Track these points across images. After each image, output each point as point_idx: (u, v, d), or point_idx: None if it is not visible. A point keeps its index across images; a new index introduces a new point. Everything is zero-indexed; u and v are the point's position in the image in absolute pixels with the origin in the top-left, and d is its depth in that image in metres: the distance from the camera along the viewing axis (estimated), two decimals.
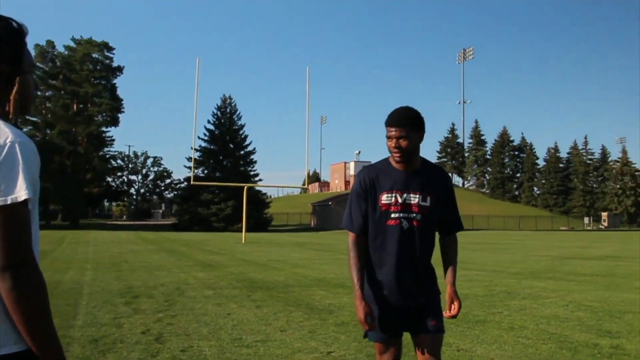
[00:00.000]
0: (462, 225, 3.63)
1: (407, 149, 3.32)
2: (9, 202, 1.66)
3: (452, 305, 3.43)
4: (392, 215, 3.36)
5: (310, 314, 8.95)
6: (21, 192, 1.67)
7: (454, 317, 3.45)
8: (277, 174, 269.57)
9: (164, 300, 10.19)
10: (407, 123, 3.31)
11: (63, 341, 6.56)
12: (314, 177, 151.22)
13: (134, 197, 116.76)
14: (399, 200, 3.36)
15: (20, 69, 1.86)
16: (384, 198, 3.37)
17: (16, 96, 1.85)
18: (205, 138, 75.70)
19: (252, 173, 75.88)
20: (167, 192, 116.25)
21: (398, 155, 3.33)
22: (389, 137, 3.34)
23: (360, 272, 3.38)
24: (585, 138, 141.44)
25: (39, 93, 70.41)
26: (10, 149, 1.70)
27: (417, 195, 3.37)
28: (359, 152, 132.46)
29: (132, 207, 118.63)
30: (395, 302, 3.40)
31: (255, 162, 77.19)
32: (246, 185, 44.36)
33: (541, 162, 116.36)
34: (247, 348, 6.59)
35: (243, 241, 35.98)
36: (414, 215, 3.37)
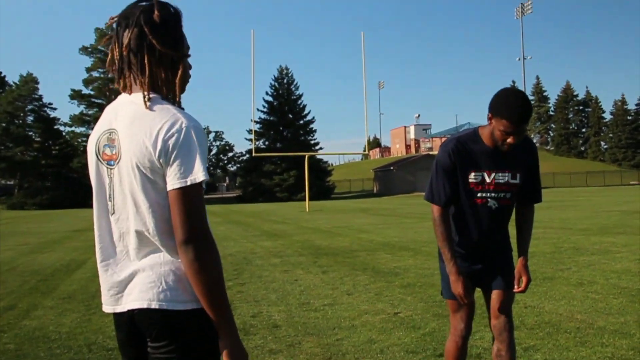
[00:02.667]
0: (541, 197, 3.51)
1: (520, 141, 3.18)
2: (189, 182, 1.80)
3: (521, 279, 3.42)
4: (479, 195, 3.31)
5: (376, 277, 9.00)
6: (199, 174, 1.81)
7: (522, 292, 3.45)
8: (338, 142, 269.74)
9: (233, 269, 10.40)
10: (525, 119, 3.10)
11: None
12: (375, 143, 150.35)
13: None
14: (487, 179, 3.29)
15: (182, 53, 1.98)
16: (472, 176, 3.29)
17: (181, 80, 1.96)
18: (265, 110, 76.05)
19: (312, 142, 76.00)
20: (230, 165, 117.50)
21: (507, 148, 3.18)
22: (505, 132, 3.10)
23: (451, 246, 3.35)
24: None
25: (101, 75, 72.30)
26: (186, 133, 1.82)
27: (507, 174, 3.30)
28: (419, 115, 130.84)
29: None
30: (471, 267, 3.44)
31: (315, 131, 77.34)
32: (307, 154, 44.48)
33: (607, 116, 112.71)
34: (314, 312, 6.69)
35: (307, 210, 36.20)
36: (503, 194, 3.32)
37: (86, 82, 72.62)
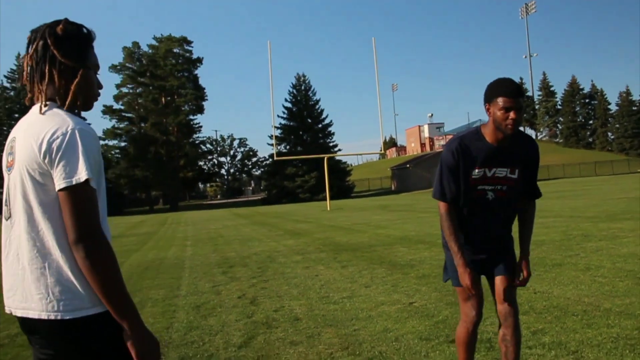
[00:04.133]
0: (540, 193, 3.54)
1: (521, 120, 3.19)
2: (73, 182, 1.78)
3: (522, 274, 3.44)
4: (479, 187, 3.35)
5: (393, 269, 8.98)
6: (82, 173, 1.79)
7: (522, 285, 3.46)
8: (355, 143, 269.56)
9: (257, 267, 10.43)
10: (520, 94, 3.16)
11: (169, 309, 6.86)
12: (391, 143, 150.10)
13: (225, 177, 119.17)
14: (488, 174, 3.32)
15: (83, 64, 1.98)
16: (475, 173, 3.32)
17: (76, 87, 1.96)
18: (284, 116, 76.43)
19: (331, 144, 76.15)
20: (254, 169, 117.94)
21: (511, 127, 3.15)
22: (505, 109, 3.13)
23: (459, 240, 3.36)
24: None
25: (130, 91, 72.90)
26: (71, 135, 1.82)
27: (506, 169, 3.33)
28: (432, 114, 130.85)
29: (225, 186, 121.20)
30: (474, 257, 3.44)
31: (333, 133, 77.75)
32: (326, 156, 44.53)
33: (613, 107, 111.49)
34: (334, 304, 6.69)
35: (328, 209, 36.23)
36: (500, 187, 3.35)
37: (116, 98, 73.63)
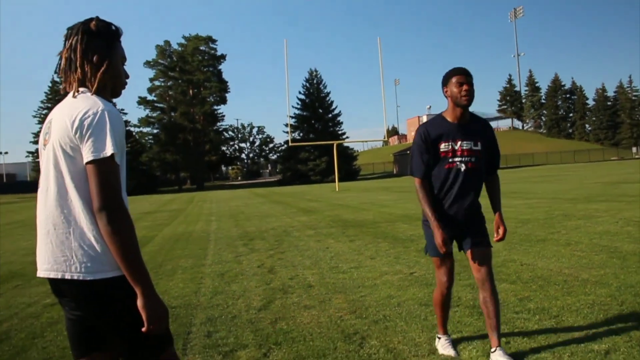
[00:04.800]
0: (499, 164, 3.75)
1: (473, 93, 3.47)
2: (100, 156, 1.80)
3: (499, 230, 3.66)
4: (450, 160, 3.52)
5: (395, 243, 8.99)
6: (108, 149, 1.81)
7: (501, 239, 3.66)
8: (361, 131, 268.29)
9: (274, 240, 10.46)
10: (470, 74, 3.50)
11: (197, 276, 6.92)
12: (393, 131, 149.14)
13: (245, 161, 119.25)
14: (455, 147, 3.51)
15: (111, 56, 2.01)
16: (442, 147, 3.52)
17: (103, 75, 1.98)
18: (298, 106, 76.18)
19: (339, 132, 76.01)
20: (271, 154, 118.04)
21: (466, 98, 3.45)
22: (459, 84, 3.45)
23: (433, 207, 3.54)
24: (630, 77, 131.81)
25: (161, 84, 72.93)
26: (101, 115, 1.85)
27: (470, 142, 3.53)
28: (430, 106, 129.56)
29: (245, 169, 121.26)
30: (451, 226, 3.58)
31: (342, 122, 77.45)
32: (335, 143, 44.41)
33: (591, 102, 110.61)
34: (343, 274, 6.71)
35: (337, 189, 36.19)
36: (468, 158, 3.52)
37: (150, 90, 73.82)
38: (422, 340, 3.99)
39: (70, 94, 1.97)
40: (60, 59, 2.02)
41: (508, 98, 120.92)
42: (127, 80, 2.13)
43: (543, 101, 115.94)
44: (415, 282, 5.95)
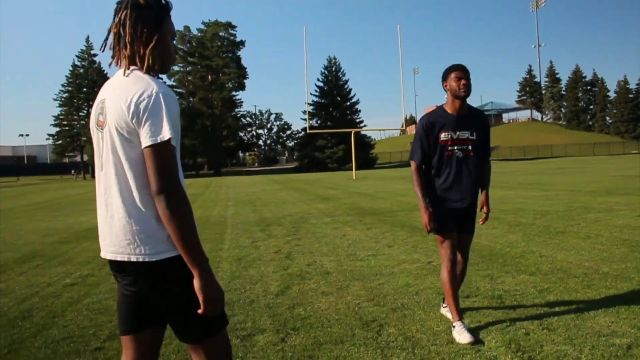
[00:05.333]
0: (490, 152, 4.18)
1: (470, 87, 3.88)
2: (158, 140, 1.79)
3: (483, 209, 4.15)
4: (449, 148, 3.93)
5: (413, 232, 8.95)
6: (165, 133, 1.80)
7: (485, 220, 4.17)
8: (379, 120, 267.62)
9: (291, 226, 10.48)
10: (467, 70, 3.93)
11: (214, 260, 6.94)
12: (411, 120, 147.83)
13: (262, 147, 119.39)
14: (454, 137, 3.92)
15: (161, 30, 1.98)
16: (442, 136, 3.93)
17: (152, 51, 1.95)
18: (317, 94, 76.07)
19: (357, 120, 75.78)
20: (288, 141, 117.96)
21: (464, 91, 3.85)
22: (457, 78, 3.86)
23: (423, 190, 3.97)
24: None
25: (181, 69, 73.26)
26: (156, 98, 1.82)
27: (467, 132, 3.93)
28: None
29: (261, 155, 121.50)
30: (452, 207, 3.98)
31: (360, 111, 77.14)
32: (353, 130, 44.23)
33: (612, 94, 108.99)
34: (360, 261, 6.70)
35: (354, 177, 36.14)
36: (465, 146, 3.94)
37: (169, 75, 73.86)
38: (440, 330, 3.97)
39: (121, 71, 1.95)
40: (109, 33, 1.99)
41: (527, 89, 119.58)
42: (176, 56, 2.11)
43: (563, 93, 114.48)
44: (433, 271, 5.92)
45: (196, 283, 1.83)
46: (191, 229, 1.82)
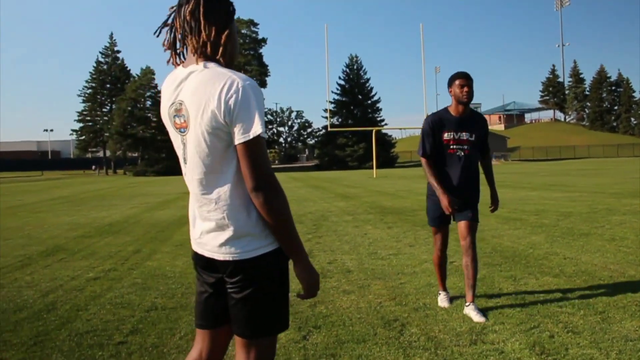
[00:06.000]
0: (489, 149, 4.67)
1: (472, 94, 4.34)
2: (251, 136, 1.77)
3: (494, 200, 4.65)
4: (451, 147, 4.39)
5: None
6: (258, 128, 1.77)
7: (494, 209, 4.69)
8: (400, 118, 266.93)
9: (312, 224, 10.47)
10: (470, 78, 4.37)
11: None
12: None
13: (283, 145, 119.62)
14: (456, 137, 4.38)
15: (231, 22, 1.97)
16: (445, 135, 4.39)
17: (226, 41, 1.92)
18: (338, 92, 76.04)
19: (378, 119, 75.58)
20: (309, 139, 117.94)
21: (466, 96, 4.31)
22: (461, 86, 4.31)
23: (437, 178, 4.40)
24: None
25: None
26: (243, 92, 1.78)
27: (467, 134, 4.39)
28: None
29: (282, 153, 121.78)
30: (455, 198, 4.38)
31: (381, 109, 77.02)
32: (374, 129, 44.16)
33: (637, 95, 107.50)
34: (381, 260, 6.67)
35: (374, 176, 36.08)
36: (465, 147, 4.39)
37: None
38: (463, 330, 3.93)
39: (193, 66, 1.91)
40: (172, 28, 1.97)
41: (551, 89, 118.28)
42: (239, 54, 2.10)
43: (587, 93, 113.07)
44: (455, 271, 5.88)
45: (297, 269, 1.89)
46: (290, 219, 1.84)
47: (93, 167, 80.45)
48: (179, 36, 1.93)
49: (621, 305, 4.41)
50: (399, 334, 3.89)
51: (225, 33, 1.91)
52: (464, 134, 4.37)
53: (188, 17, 1.89)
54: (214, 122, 1.79)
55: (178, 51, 1.97)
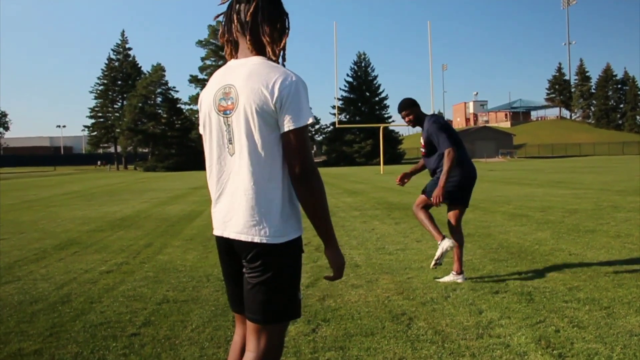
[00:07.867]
0: (443, 148, 5.22)
1: (413, 119, 5.49)
2: (301, 124, 1.88)
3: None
4: (422, 150, 5.63)
5: (441, 228, 8.75)
6: (306, 118, 1.90)
7: (437, 205, 5.46)
8: None
9: None
10: (401, 111, 5.53)
11: None
12: None
13: None
14: (421, 141, 5.56)
15: (285, 23, 2.09)
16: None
17: (284, 46, 2.06)
18: (346, 89, 75.86)
19: (385, 115, 75.31)
20: (317, 135, 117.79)
21: (412, 125, 5.60)
22: (403, 117, 5.52)
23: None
24: None
25: (212, 63, 73.70)
26: (296, 85, 1.90)
27: (423, 138, 5.44)
28: (477, 93, 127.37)
29: None
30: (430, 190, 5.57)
31: (388, 106, 76.74)
32: (381, 125, 44.10)
33: None
34: (389, 255, 6.69)
35: (381, 172, 36.03)
36: (422, 149, 5.57)
37: (201, 69, 74.32)
38: (470, 324, 3.94)
39: (243, 59, 2.02)
40: (229, 22, 2.10)
41: (557, 87, 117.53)
42: None
43: (593, 91, 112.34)
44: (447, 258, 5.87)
45: (329, 252, 2.00)
46: (326, 206, 1.95)
47: (98, 162, 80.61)
48: (236, 32, 2.06)
49: (626, 300, 4.40)
50: (406, 328, 3.91)
51: (284, 40, 2.05)
52: (422, 137, 5.57)
53: (248, 18, 2.00)
54: (265, 106, 1.88)
55: (231, 46, 2.11)
